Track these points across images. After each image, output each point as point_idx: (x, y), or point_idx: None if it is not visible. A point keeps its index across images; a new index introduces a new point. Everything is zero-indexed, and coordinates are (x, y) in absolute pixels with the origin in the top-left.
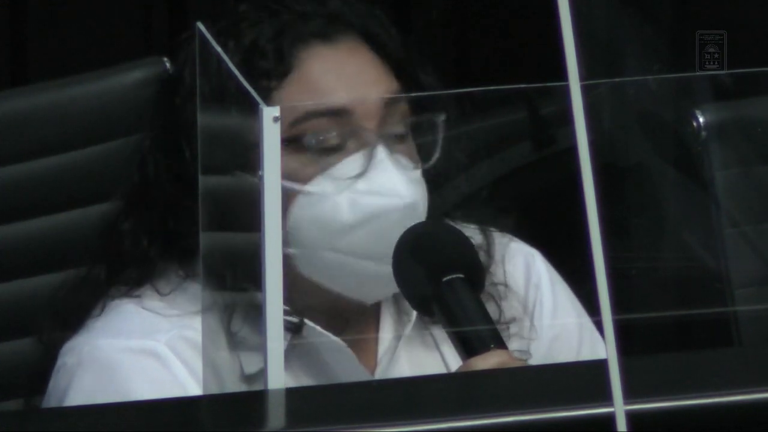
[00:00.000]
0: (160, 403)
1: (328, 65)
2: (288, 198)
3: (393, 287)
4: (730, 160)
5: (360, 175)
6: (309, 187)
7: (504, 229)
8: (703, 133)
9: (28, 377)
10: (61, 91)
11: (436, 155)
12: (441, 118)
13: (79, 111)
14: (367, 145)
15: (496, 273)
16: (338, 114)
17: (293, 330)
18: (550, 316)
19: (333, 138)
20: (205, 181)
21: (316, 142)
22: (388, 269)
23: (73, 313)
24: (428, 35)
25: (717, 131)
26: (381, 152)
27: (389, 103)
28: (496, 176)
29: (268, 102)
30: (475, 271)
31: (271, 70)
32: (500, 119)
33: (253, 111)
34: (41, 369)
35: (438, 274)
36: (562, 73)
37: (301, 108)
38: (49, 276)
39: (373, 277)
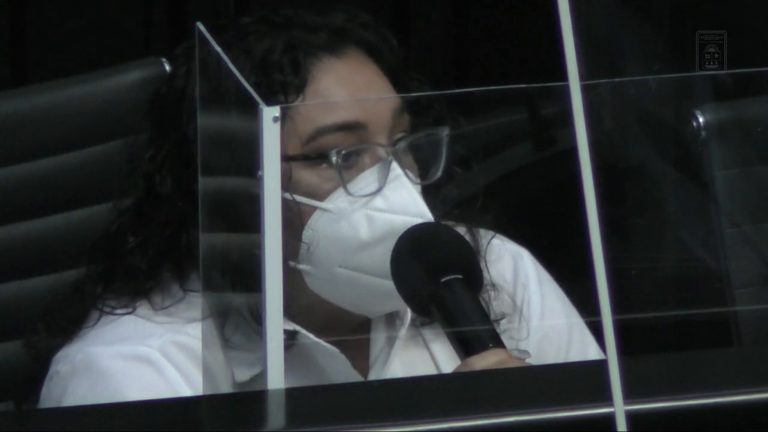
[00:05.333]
0: (160, 404)
1: (340, 78)
2: (304, 213)
3: (398, 303)
4: (730, 160)
5: (376, 192)
6: (326, 204)
7: (496, 228)
8: (703, 133)
9: (25, 379)
10: (60, 91)
11: (440, 170)
12: (445, 132)
13: (78, 111)
14: (380, 160)
15: (485, 274)
16: (352, 128)
17: (288, 338)
18: (538, 315)
19: (351, 152)
20: (204, 182)
21: (339, 158)
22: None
23: (68, 322)
24: (428, 36)
25: (717, 131)
26: (396, 168)
27: (397, 116)
28: (496, 176)
29: (288, 115)
30: (473, 272)
31: (287, 83)
32: (500, 119)
33: (253, 111)
34: (35, 375)
35: (436, 274)
36: (562, 73)
37: (314, 124)
38: (47, 277)
39: (382, 293)
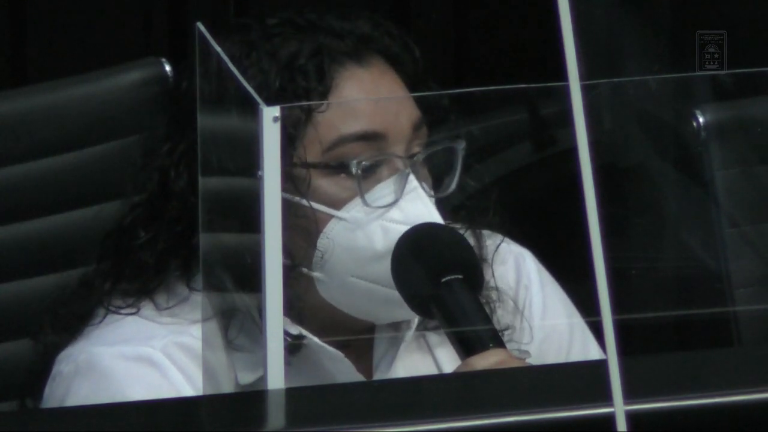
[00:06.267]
0: (160, 404)
1: (363, 87)
2: (320, 220)
3: (407, 312)
4: (730, 160)
5: (393, 204)
6: (342, 213)
7: (499, 229)
8: (703, 133)
9: (27, 378)
10: (60, 91)
11: (454, 183)
12: (461, 146)
13: (78, 111)
14: (397, 171)
15: (488, 276)
16: (372, 138)
17: (292, 341)
18: (539, 316)
19: (371, 163)
20: (205, 182)
21: (359, 169)
22: None
23: (74, 319)
24: (428, 35)
25: (717, 131)
26: (413, 180)
27: (416, 128)
28: (496, 177)
29: (310, 121)
30: (473, 272)
31: (311, 89)
32: (500, 119)
33: (253, 111)
34: (39, 371)
35: (437, 274)
36: (562, 73)
37: (337, 132)
38: (47, 277)
39: (393, 303)
